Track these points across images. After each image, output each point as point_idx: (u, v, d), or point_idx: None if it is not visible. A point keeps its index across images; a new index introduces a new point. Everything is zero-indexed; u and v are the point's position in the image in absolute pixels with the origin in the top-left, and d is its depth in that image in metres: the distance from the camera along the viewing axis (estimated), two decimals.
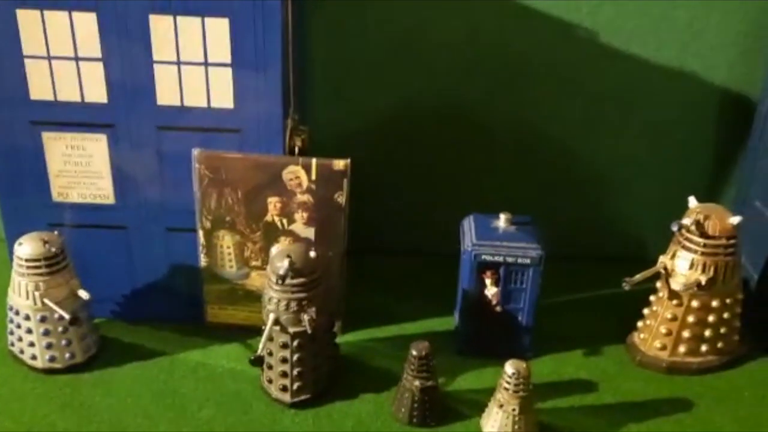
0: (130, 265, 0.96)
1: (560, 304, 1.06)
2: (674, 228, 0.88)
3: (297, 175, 0.90)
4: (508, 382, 0.78)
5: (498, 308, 0.92)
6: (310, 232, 0.93)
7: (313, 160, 0.89)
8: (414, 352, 0.81)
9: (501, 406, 0.78)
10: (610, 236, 1.18)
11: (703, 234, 0.89)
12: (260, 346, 0.80)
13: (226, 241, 0.94)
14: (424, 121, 1.11)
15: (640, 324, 0.97)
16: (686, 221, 0.89)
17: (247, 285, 0.96)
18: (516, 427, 0.78)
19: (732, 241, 0.89)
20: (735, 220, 0.88)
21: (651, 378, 0.92)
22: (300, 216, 0.92)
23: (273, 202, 0.91)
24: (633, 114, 1.12)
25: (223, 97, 0.87)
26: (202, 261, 0.95)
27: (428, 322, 1.02)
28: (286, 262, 0.80)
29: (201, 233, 0.93)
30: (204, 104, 0.87)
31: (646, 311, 0.96)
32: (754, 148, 1.08)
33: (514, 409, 0.77)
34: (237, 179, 0.90)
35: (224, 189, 0.90)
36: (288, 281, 0.80)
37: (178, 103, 0.87)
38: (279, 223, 0.93)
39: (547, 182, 1.15)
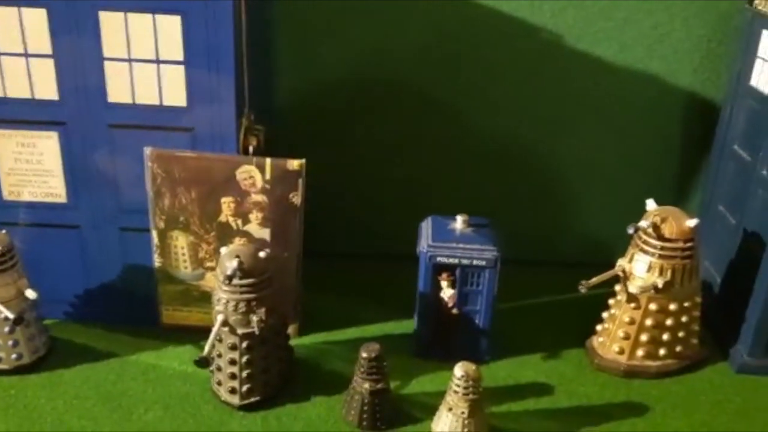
0: (84, 266, 0.95)
1: (522, 308, 1.05)
2: (630, 230, 0.87)
3: (251, 174, 0.89)
4: (457, 385, 0.76)
5: (455, 310, 0.91)
6: (265, 233, 0.92)
7: (268, 160, 0.88)
8: (364, 354, 0.79)
9: (450, 409, 0.77)
10: (573, 240, 1.17)
11: (660, 237, 0.88)
12: (206, 347, 0.79)
13: (180, 241, 0.92)
14: (387, 124, 1.11)
15: (599, 328, 0.96)
16: (643, 224, 0.88)
17: (202, 286, 0.95)
18: (465, 430, 0.77)
19: (689, 244, 0.88)
20: (692, 222, 0.88)
21: (608, 382, 0.91)
22: (255, 216, 0.91)
23: (227, 202, 0.90)
24: (597, 117, 1.11)
25: (176, 96, 0.86)
26: (156, 261, 0.94)
27: (387, 325, 1.01)
28: (234, 262, 0.79)
29: (155, 233, 0.92)
30: (156, 102, 0.86)
31: (605, 315, 0.95)
32: (718, 152, 1.07)
33: (463, 412, 0.76)
34: (190, 179, 0.89)
35: (177, 188, 0.89)
36: (236, 282, 0.79)
37: (129, 100, 0.86)
38: (233, 224, 0.91)
39: (511, 185, 1.14)
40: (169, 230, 0.92)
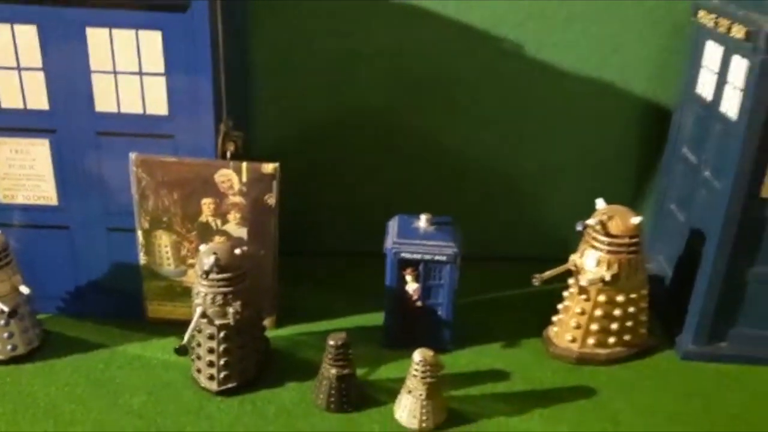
0: (74, 264, 1.02)
1: (485, 301, 1.12)
2: (579, 227, 0.94)
3: (228, 178, 0.96)
4: (416, 369, 0.83)
5: (419, 303, 0.97)
6: (242, 232, 0.99)
7: (244, 164, 0.95)
8: (331, 342, 0.86)
9: (410, 391, 0.84)
10: (535, 238, 1.24)
11: (607, 233, 0.95)
12: (185, 336, 0.86)
13: (164, 240, 0.99)
14: (360, 129, 1.18)
15: (555, 318, 1.03)
16: (591, 221, 0.95)
17: (185, 282, 1.01)
18: (423, 411, 0.84)
19: (634, 240, 0.95)
20: (636, 220, 0.95)
21: (562, 368, 0.98)
22: (233, 216, 0.98)
23: (207, 204, 0.97)
24: (558, 123, 1.18)
25: (158, 105, 0.92)
26: (142, 259, 1.00)
27: (360, 317, 1.07)
28: (211, 258, 0.85)
29: (140, 233, 0.99)
30: (140, 111, 0.93)
31: (560, 306, 1.02)
32: (669, 155, 1.15)
33: (421, 395, 0.83)
34: (172, 182, 0.96)
35: (160, 191, 0.96)
36: (213, 276, 0.86)
37: (115, 110, 0.93)
38: (213, 224, 0.98)
39: (476, 187, 1.21)
40: (153, 230, 0.98)
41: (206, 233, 0.98)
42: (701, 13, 1.03)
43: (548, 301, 1.04)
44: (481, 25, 1.12)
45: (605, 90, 1.16)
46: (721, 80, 0.97)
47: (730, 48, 0.94)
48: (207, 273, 0.85)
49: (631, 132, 1.19)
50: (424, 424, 0.84)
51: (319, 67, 1.14)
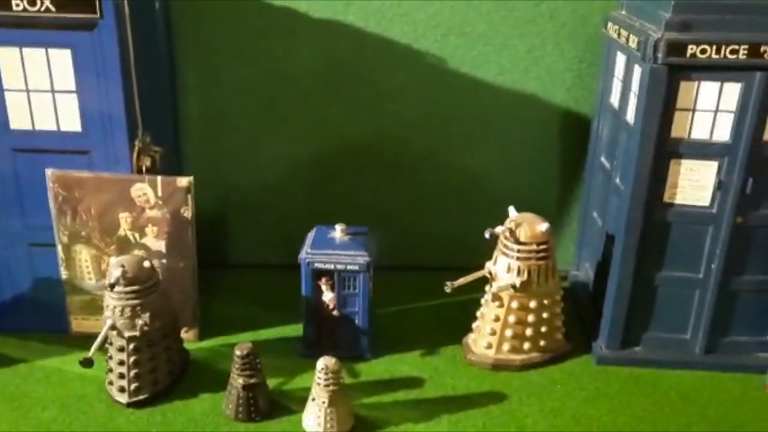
0: None
1: (409, 310, 1.13)
2: (486, 235, 0.96)
3: (144, 192, 0.97)
4: (319, 377, 0.84)
5: (335, 312, 0.99)
6: (161, 245, 1.00)
7: (158, 179, 0.97)
8: (237, 352, 0.87)
9: (313, 399, 0.85)
10: (461, 248, 1.23)
11: (516, 240, 0.97)
12: (92, 348, 0.87)
13: (84, 254, 1.00)
14: (287, 141, 1.19)
15: (473, 326, 1.04)
16: (498, 229, 0.97)
17: None
18: (328, 418, 0.84)
19: (543, 246, 0.97)
20: (543, 227, 0.96)
21: (477, 375, 0.99)
22: (151, 230, 0.99)
23: (124, 218, 0.98)
24: (483, 134, 1.20)
25: (71, 121, 0.94)
26: (63, 274, 1.01)
27: (284, 329, 1.08)
28: (118, 271, 0.87)
29: (60, 248, 1.00)
30: (54, 128, 0.95)
31: (478, 314, 1.04)
32: (590, 164, 1.17)
33: (323, 402, 0.84)
34: (89, 197, 0.97)
35: (78, 206, 0.98)
36: (120, 288, 0.87)
37: (29, 127, 0.95)
38: (131, 237, 1.00)
39: (401, 197, 1.23)
40: (72, 244, 1.00)
41: (125, 247, 1.00)
42: (609, 25, 1.06)
43: (470, 309, 1.06)
44: (403, 39, 1.15)
45: (526, 101, 1.18)
46: (625, 88, 1.00)
47: (631, 57, 0.97)
48: (112, 285, 0.86)
49: (554, 142, 1.21)
50: None
51: (248, 84, 1.16)
